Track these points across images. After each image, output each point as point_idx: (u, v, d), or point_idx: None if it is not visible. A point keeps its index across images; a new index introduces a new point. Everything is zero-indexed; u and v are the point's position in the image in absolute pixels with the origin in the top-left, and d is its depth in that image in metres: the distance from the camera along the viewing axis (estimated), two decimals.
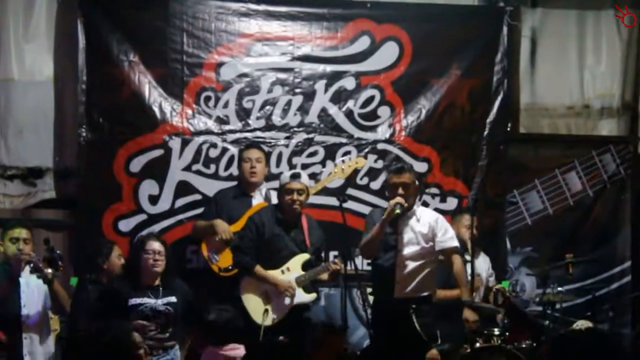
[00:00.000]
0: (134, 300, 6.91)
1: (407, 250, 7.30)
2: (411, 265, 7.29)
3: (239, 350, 6.39)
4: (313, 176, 8.44)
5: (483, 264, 8.50)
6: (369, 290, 7.81)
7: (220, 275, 7.90)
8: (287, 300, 7.50)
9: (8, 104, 8.80)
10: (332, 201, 8.39)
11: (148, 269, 6.97)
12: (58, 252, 6.98)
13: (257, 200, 8.10)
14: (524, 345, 7.36)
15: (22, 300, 7.11)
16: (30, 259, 6.89)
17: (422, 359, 6.74)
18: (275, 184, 8.18)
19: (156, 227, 8.51)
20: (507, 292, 8.17)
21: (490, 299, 8.20)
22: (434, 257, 7.39)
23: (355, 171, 8.59)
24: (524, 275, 9.11)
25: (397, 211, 7.14)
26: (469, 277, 7.45)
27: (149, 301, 6.94)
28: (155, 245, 7.05)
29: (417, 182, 7.44)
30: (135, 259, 7.08)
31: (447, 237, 7.38)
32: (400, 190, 7.23)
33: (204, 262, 8.09)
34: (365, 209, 8.64)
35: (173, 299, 6.99)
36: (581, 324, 7.75)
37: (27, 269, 6.96)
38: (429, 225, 7.36)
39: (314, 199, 8.09)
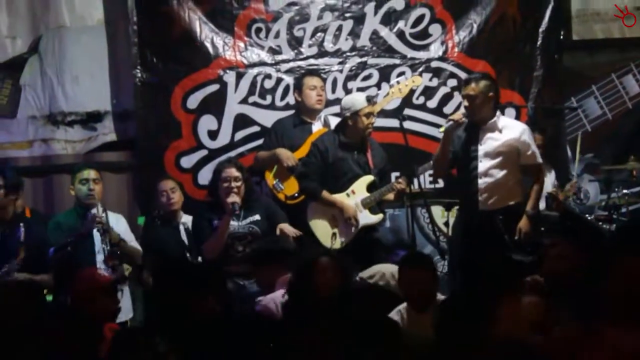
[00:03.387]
0: (217, 223, 7.07)
1: (489, 161, 7.28)
2: (495, 175, 7.28)
3: None
4: (369, 99, 8.43)
5: (548, 176, 8.49)
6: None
7: (286, 203, 7.97)
8: (354, 222, 7.56)
9: (62, 51, 8.89)
10: (391, 122, 8.40)
11: (226, 195, 7.09)
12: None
13: (317, 127, 8.13)
14: None
15: (95, 247, 7.28)
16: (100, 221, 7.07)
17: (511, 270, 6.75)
18: (334, 109, 8.22)
19: (217, 162, 8.56)
20: (559, 195, 8.11)
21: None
22: (519, 167, 7.35)
23: (411, 91, 8.57)
24: (587, 182, 9.07)
25: (447, 128, 7.27)
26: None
27: (232, 223, 7.09)
28: (232, 171, 7.18)
29: (490, 93, 7.32)
30: (215, 186, 7.23)
31: (534, 152, 7.40)
32: (465, 102, 7.28)
33: (269, 192, 8.16)
34: (424, 128, 8.70)
35: (256, 217, 7.17)
36: None
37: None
38: (512, 136, 7.33)
39: None
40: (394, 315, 5.50)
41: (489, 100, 7.31)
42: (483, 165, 7.29)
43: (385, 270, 6.11)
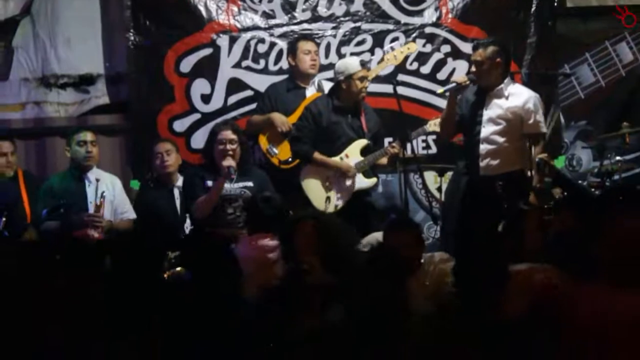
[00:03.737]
0: (210, 183, 7.07)
1: (492, 127, 7.33)
2: (497, 141, 7.33)
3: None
4: (363, 63, 8.40)
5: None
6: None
7: (280, 168, 7.97)
8: (348, 183, 7.57)
9: (55, 13, 8.84)
10: (384, 88, 8.39)
11: (221, 157, 7.07)
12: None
13: (311, 92, 8.12)
14: None
15: (89, 205, 7.35)
16: None
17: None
18: (327, 74, 8.21)
19: (210, 126, 8.51)
20: (550, 161, 8.13)
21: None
22: (521, 135, 7.34)
23: (405, 57, 8.55)
24: (580, 149, 9.09)
25: (441, 90, 7.38)
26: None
27: (225, 186, 7.06)
28: (228, 133, 7.15)
29: (498, 59, 7.34)
30: (210, 147, 7.20)
31: (539, 122, 7.43)
32: (472, 68, 7.32)
33: (262, 157, 8.16)
34: (417, 94, 8.70)
35: (249, 183, 7.13)
36: None
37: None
38: (517, 104, 7.36)
39: None
40: None
41: (496, 66, 7.33)
42: (486, 130, 7.35)
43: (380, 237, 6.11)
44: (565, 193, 7.41)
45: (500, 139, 7.32)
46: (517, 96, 7.39)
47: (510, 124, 7.32)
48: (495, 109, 7.34)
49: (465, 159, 7.57)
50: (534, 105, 7.41)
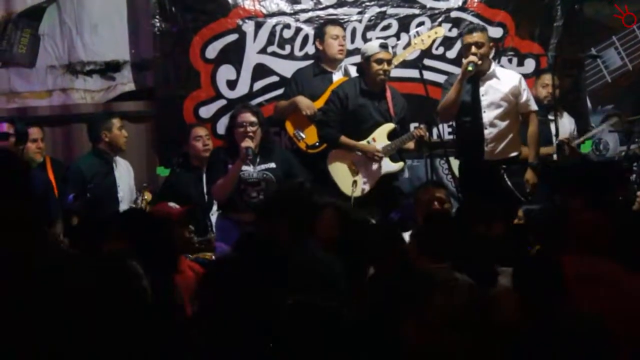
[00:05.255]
0: (230, 167, 7.07)
1: (494, 111, 7.44)
2: (499, 125, 7.42)
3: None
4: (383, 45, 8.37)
5: (568, 124, 8.51)
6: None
7: (307, 152, 7.96)
8: (375, 167, 7.55)
9: (81, 0, 8.88)
10: (410, 73, 8.42)
11: (241, 139, 7.04)
12: None
13: (338, 77, 8.10)
14: None
15: (118, 193, 7.55)
16: None
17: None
18: (353, 59, 8.19)
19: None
20: (571, 142, 8.11)
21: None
22: (519, 117, 7.51)
23: (432, 41, 8.54)
24: (607, 133, 9.04)
25: (470, 69, 7.26)
26: (554, 137, 7.61)
27: (246, 169, 7.04)
28: (247, 115, 7.11)
29: (491, 43, 7.57)
30: (231, 131, 7.19)
31: (529, 100, 7.57)
32: (474, 49, 7.33)
33: (289, 141, 8.16)
34: (443, 79, 8.61)
35: (272, 164, 7.09)
36: None
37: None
38: (512, 85, 7.48)
39: (392, 72, 8.05)
40: None
41: (490, 49, 7.60)
42: (487, 115, 7.44)
43: None
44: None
45: (503, 123, 7.44)
46: (508, 77, 7.56)
47: (509, 107, 7.46)
48: (492, 93, 7.45)
49: (462, 144, 7.68)
50: (525, 85, 7.60)
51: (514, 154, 7.48)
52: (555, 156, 8.06)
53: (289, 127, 8.08)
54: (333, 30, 8.15)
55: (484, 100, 7.43)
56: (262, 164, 7.11)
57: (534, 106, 7.61)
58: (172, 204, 5.70)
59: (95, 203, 7.15)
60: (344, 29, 8.42)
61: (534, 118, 7.58)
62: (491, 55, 7.78)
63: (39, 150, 7.75)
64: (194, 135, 7.91)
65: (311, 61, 8.39)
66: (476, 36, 7.39)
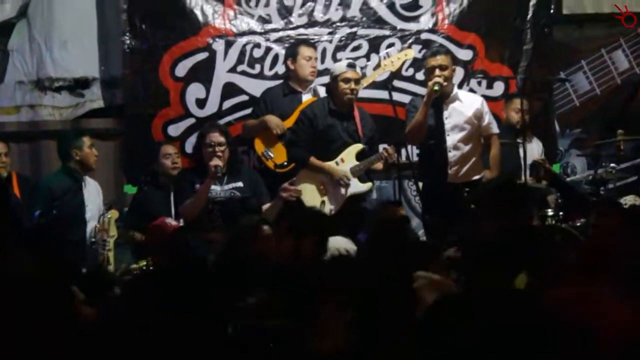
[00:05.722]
0: (199, 187, 7.06)
1: (457, 134, 7.47)
2: (463, 148, 7.46)
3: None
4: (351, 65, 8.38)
5: (536, 147, 8.53)
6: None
7: (276, 171, 7.94)
8: (343, 191, 7.56)
9: (51, 16, 8.86)
10: (380, 94, 8.43)
11: (210, 159, 7.05)
12: None
13: (307, 97, 8.10)
14: (578, 224, 7.37)
15: (85, 214, 7.48)
16: None
17: None
18: (323, 79, 8.19)
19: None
20: (545, 163, 8.14)
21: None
22: (481, 140, 7.58)
23: (402, 63, 8.56)
24: (574, 157, 9.10)
25: (436, 88, 7.25)
26: (522, 160, 7.62)
27: (214, 188, 7.06)
28: (216, 135, 7.15)
29: (454, 67, 7.60)
30: (198, 150, 7.20)
31: (491, 122, 7.65)
32: (437, 72, 7.34)
33: (257, 161, 8.14)
34: None
35: (239, 183, 7.13)
36: (627, 200, 7.73)
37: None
38: (475, 108, 7.54)
39: (361, 93, 8.08)
40: None
41: (453, 72, 7.60)
42: (451, 138, 7.47)
43: (331, 246, 6.03)
44: (560, 195, 7.47)
45: (466, 146, 7.48)
46: (471, 100, 7.63)
47: (472, 130, 7.50)
48: (455, 116, 7.49)
49: (424, 166, 7.71)
50: (485, 107, 7.64)
51: (477, 177, 7.50)
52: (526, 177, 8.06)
53: (257, 146, 8.06)
54: (306, 51, 8.16)
55: (448, 123, 7.47)
56: (229, 182, 7.13)
57: (495, 129, 7.69)
58: (169, 220, 5.72)
59: (60, 221, 7.09)
60: (317, 50, 8.43)
61: (496, 140, 7.66)
62: (455, 79, 7.83)
63: (3, 165, 7.71)
64: (163, 152, 7.87)
65: (281, 81, 8.39)
66: (440, 59, 7.43)
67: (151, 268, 6.12)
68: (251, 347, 3.49)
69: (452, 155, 7.44)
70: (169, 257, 5.16)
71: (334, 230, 5.57)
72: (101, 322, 3.52)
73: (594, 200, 7.73)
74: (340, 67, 7.67)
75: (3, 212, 4.18)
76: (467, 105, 7.54)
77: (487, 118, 7.60)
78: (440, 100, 7.45)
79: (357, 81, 7.61)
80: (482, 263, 4.28)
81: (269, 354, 3.49)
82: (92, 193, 7.63)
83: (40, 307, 3.03)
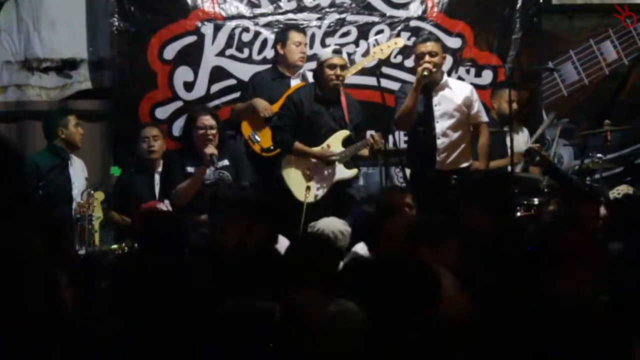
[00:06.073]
0: (190, 169, 7.06)
1: (446, 121, 7.50)
2: (452, 135, 7.48)
3: None
4: (347, 56, 8.38)
5: (522, 137, 8.53)
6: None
7: (262, 155, 7.94)
8: (329, 172, 7.55)
9: None
10: (368, 80, 8.44)
11: (201, 143, 7.05)
12: None
13: (296, 82, 8.09)
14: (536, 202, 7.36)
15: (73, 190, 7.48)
16: None
17: None
18: (311, 65, 8.17)
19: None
20: (540, 150, 8.14)
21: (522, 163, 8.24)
22: (470, 128, 7.58)
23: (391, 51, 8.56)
24: (562, 147, 9.10)
25: (425, 74, 7.28)
26: (509, 150, 7.63)
27: None
28: (208, 118, 7.15)
29: (444, 54, 7.69)
30: (188, 133, 7.18)
31: (480, 111, 7.66)
32: (427, 58, 7.36)
33: (244, 144, 8.14)
34: None
35: (225, 162, 7.17)
36: (620, 189, 7.76)
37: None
38: (464, 96, 7.56)
39: (349, 79, 8.09)
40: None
41: (443, 60, 7.68)
42: (440, 125, 7.49)
43: (327, 227, 6.07)
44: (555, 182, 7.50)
45: (455, 133, 7.50)
46: (460, 88, 7.65)
47: (463, 117, 7.53)
48: (445, 103, 7.51)
49: (413, 152, 7.74)
50: (475, 95, 7.66)
51: (465, 164, 7.53)
52: (516, 166, 8.06)
53: (245, 129, 8.05)
54: (296, 36, 8.15)
55: (437, 111, 7.48)
56: (218, 162, 7.15)
57: (484, 117, 7.70)
58: (160, 205, 5.74)
59: (47, 199, 7.09)
60: (306, 36, 8.41)
61: (485, 129, 7.67)
62: (444, 67, 7.84)
63: None
64: (141, 135, 7.86)
65: (269, 65, 8.38)
66: (430, 45, 7.46)
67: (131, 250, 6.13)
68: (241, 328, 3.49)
69: (441, 142, 7.47)
70: (160, 244, 5.12)
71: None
72: (82, 308, 3.53)
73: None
74: (326, 53, 7.67)
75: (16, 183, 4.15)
76: (456, 93, 7.56)
77: (477, 106, 7.62)
78: (429, 87, 7.48)
79: (343, 67, 7.60)
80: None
81: (259, 334, 3.49)
82: (78, 171, 7.64)
83: (32, 286, 3.01)
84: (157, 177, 7.63)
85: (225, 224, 5.44)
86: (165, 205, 6.51)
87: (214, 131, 7.13)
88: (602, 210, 6.32)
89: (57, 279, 3.33)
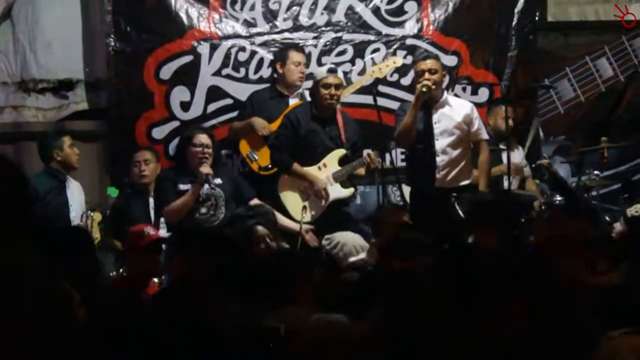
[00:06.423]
0: (183, 187, 7.04)
1: (446, 139, 7.47)
2: (451, 153, 7.45)
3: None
4: (343, 75, 8.39)
5: (518, 154, 8.53)
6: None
7: (260, 174, 7.95)
8: (323, 201, 7.57)
9: (35, 18, 8.78)
10: (364, 99, 8.44)
11: (197, 162, 7.03)
12: None
13: (294, 101, 8.10)
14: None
15: (70, 213, 7.51)
16: None
17: None
18: (308, 84, 8.18)
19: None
20: (550, 166, 8.13)
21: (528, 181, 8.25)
22: (470, 145, 7.57)
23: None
24: (558, 164, 9.10)
25: (424, 90, 7.26)
26: (505, 169, 7.64)
27: None
28: (204, 137, 7.13)
29: (444, 72, 7.67)
30: (183, 152, 7.18)
31: (480, 128, 7.62)
32: (427, 75, 7.35)
33: (241, 163, 8.14)
34: (397, 105, 8.62)
35: (218, 180, 7.10)
36: (638, 208, 7.68)
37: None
38: (464, 113, 7.53)
39: (346, 98, 8.10)
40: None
41: (443, 77, 7.65)
42: (440, 143, 7.47)
43: (348, 241, 6.06)
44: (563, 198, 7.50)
45: (455, 151, 7.48)
46: (460, 106, 7.62)
47: (463, 134, 7.51)
48: (445, 121, 7.49)
49: (412, 170, 7.73)
50: (475, 113, 7.64)
51: (465, 182, 7.50)
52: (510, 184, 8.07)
53: (243, 147, 8.06)
54: (296, 56, 8.17)
55: (437, 128, 7.46)
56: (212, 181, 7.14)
57: (484, 135, 7.66)
58: (148, 229, 5.72)
59: (44, 221, 7.08)
60: (305, 56, 8.43)
61: (485, 146, 7.64)
62: (444, 85, 7.83)
63: None
64: (133, 159, 7.85)
65: (266, 84, 8.41)
66: (430, 63, 7.44)
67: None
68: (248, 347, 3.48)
69: (441, 159, 7.44)
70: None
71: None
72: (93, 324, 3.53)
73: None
74: (321, 72, 7.67)
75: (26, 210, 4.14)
76: (456, 110, 7.54)
77: (477, 124, 7.59)
78: (429, 104, 7.46)
79: (338, 86, 7.59)
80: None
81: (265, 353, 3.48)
82: (75, 193, 7.63)
83: (45, 308, 3.01)
84: (151, 200, 7.61)
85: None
86: (154, 229, 6.51)
87: (209, 150, 7.11)
88: (619, 227, 6.30)
89: (69, 297, 3.34)
